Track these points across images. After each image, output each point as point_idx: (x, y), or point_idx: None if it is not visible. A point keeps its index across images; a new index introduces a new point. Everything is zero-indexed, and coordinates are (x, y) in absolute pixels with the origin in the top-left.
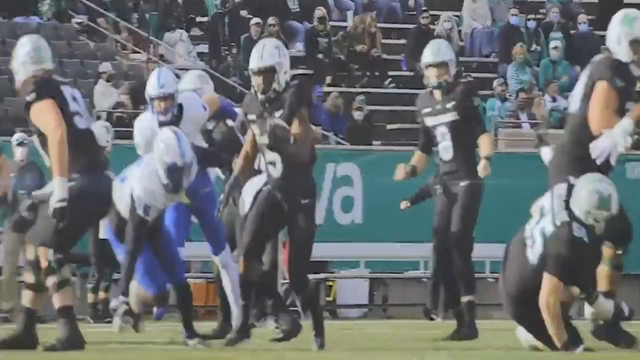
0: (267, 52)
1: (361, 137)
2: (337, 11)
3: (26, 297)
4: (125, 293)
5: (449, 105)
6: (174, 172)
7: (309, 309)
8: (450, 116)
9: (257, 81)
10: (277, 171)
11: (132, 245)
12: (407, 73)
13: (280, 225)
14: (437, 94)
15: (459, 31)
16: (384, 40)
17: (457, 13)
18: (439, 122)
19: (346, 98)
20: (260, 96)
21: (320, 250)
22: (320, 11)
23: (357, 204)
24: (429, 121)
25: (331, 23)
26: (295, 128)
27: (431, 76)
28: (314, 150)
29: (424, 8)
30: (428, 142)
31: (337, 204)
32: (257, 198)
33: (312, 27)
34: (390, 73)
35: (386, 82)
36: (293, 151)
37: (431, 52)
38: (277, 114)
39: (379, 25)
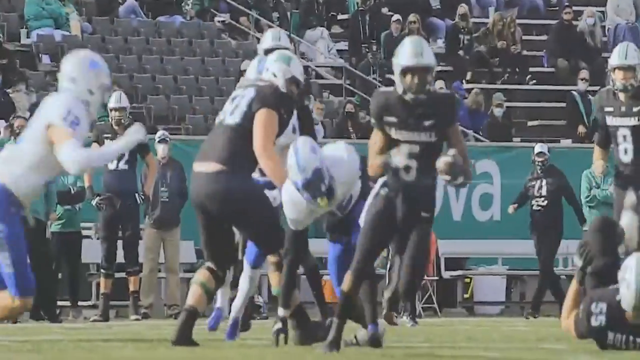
0: (427, 50)
1: (500, 134)
2: (479, 8)
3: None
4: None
5: (635, 109)
6: (300, 189)
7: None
8: (634, 120)
9: (408, 80)
10: (409, 176)
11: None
12: (549, 69)
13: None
14: (622, 95)
15: (603, 27)
16: (525, 36)
17: (601, 9)
18: (622, 124)
19: (487, 95)
20: (410, 95)
21: (458, 247)
22: (462, 8)
23: (495, 200)
24: (610, 120)
25: (472, 20)
26: (460, 137)
27: (617, 79)
28: None
29: (567, 4)
30: (607, 139)
31: (476, 200)
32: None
33: (454, 24)
34: (531, 69)
35: (527, 79)
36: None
37: (618, 55)
38: (427, 123)
39: (521, 21)
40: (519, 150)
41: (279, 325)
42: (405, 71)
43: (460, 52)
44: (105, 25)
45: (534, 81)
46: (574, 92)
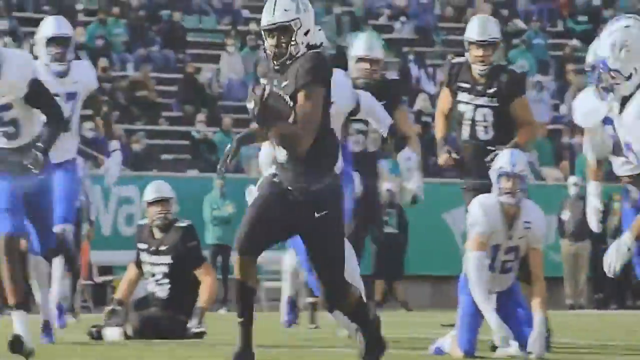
0: (280, 5)
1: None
2: (119, 63)
3: None
4: None
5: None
6: None
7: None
8: None
9: (268, 43)
10: (282, 155)
11: None
12: (177, 114)
13: (286, 222)
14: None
15: (218, 80)
16: (159, 87)
17: (217, 65)
18: None
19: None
20: (272, 63)
21: (106, 257)
22: (103, 61)
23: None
24: None
25: (114, 73)
26: (301, 105)
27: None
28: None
29: (189, 60)
30: None
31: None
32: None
33: None
34: (164, 114)
35: (160, 121)
36: (289, 131)
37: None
38: (283, 84)
39: (155, 74)
40: None
41: None
42: (264, 31)
43: None
44: None
45: (167, 122)
46: (194, 132)
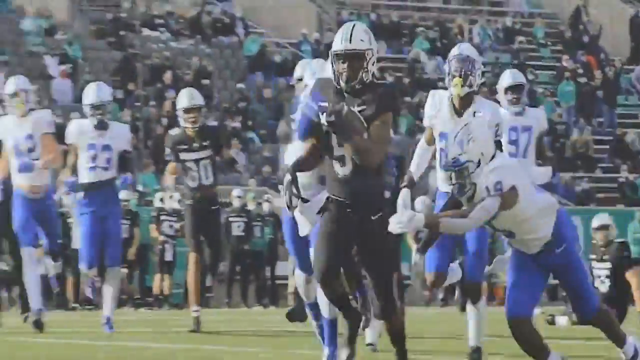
0: (356, 36)
1: None
2: None
3: None
4: None
5: None
6: None
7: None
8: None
9: (340, 67)
10: (345, 169)
11: None
12: None
13: (349, 236)
14: None
15: None
16: None
17: None
18: None
19: None
20: (343, 85)
21: None
22: None
23: None
24: None
25: None
26: (379, 126)
27: None
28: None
29: None
30: None
31: None
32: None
33: None
34: None
35: None
36: (365, 146)
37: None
38: (358, 109)
39: None
40: None
41: None
42: (337, 56)
43: None
44: None
45: (602, 171)
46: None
